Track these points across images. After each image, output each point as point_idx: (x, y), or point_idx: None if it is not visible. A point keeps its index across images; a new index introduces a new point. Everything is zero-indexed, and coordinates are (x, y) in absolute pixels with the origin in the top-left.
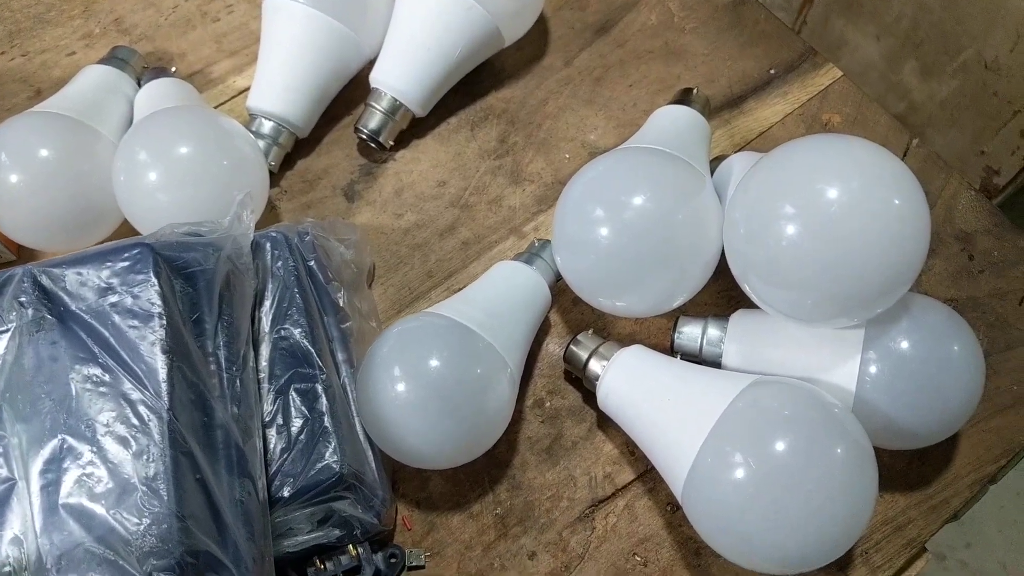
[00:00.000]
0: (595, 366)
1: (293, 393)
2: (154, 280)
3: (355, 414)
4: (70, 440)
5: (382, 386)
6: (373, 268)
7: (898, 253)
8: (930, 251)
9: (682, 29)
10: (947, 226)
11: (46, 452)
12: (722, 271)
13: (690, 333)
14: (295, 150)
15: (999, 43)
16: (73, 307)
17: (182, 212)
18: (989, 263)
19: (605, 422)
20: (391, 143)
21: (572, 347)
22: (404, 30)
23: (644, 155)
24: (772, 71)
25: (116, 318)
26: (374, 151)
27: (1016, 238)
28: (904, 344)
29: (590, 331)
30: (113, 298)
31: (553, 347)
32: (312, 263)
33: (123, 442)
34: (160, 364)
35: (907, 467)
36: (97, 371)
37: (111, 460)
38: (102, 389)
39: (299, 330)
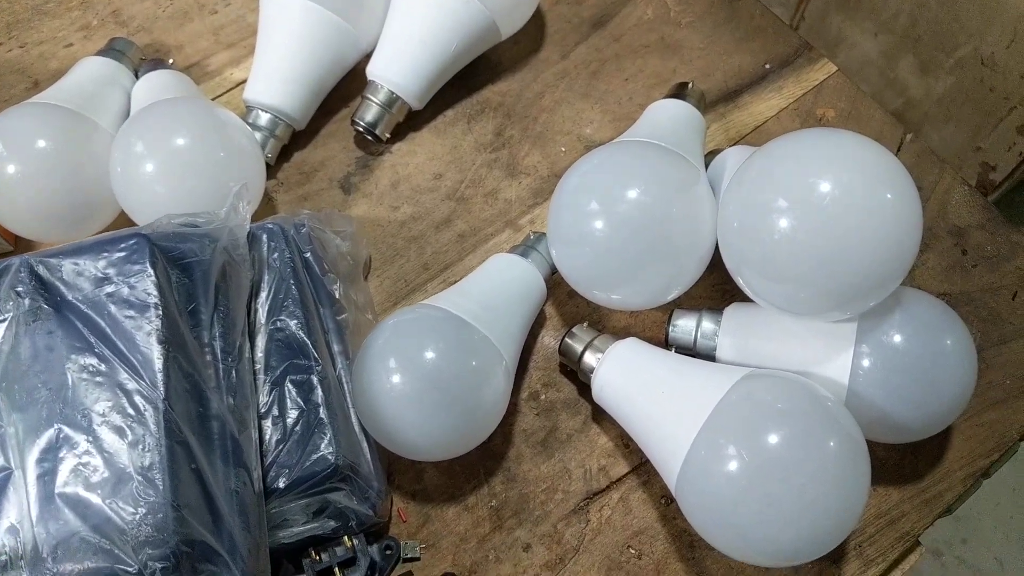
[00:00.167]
0: (590, 359)
1: (289, 384)
2: (150, 271)
3: (351, 406)
4: (66, 429)
5: (378, 378)
6: (369, 260)
7: (891, 247)
8: (923, 246)
9: (678, 23)
10: (940, 221)
11: (42, 441)
12: (716, 265)
13: (684, 326)
14: (292, 142)
15: (996, 39)
16: (70, 297)
17: (179, 203)
18: (982, 258)
19: (600, 415)
20: (387, 136)
21: (567, 340)
22: (401, 23)
23: (639, 148)
24: (767, 66)
25: (112, 308)
26: (370, 144)
27: (1009, 233)
28: (897, 338)
29: (585, 324)
30: (109, 288)
31: (548, 340)
32: (308, 255)
33: (119, 432)
34: (156, 354)
35: (900, 461)
36: (93, 361)
37: (107, 450)
38: (98, 379)
39: (295, 322)
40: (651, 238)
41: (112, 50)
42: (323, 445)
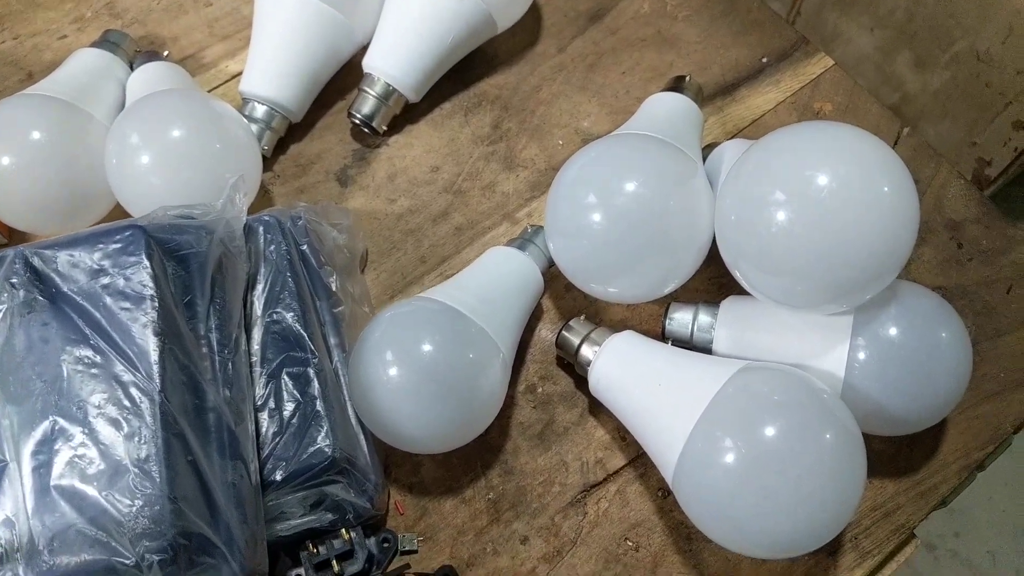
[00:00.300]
0: (587, 351)
1: (285, 377)
2: (146, 262)
3: (347, 398)
4: (62, 422)
5: (374, 370)
6: (366, 253)
7: (887, 240)
8: (919, 239)
9: (675, 17)
10: (936, 215)
11: (38, 434)
12: (713, 258)
13: (681, 319)
14: (288, 135)
15: (992, 35)
16: (65, 289)
17: (174, 195)
18: (978, 251)
19: (597, 408)
20: (384, 128)
21: (564, 333)
22: (397, 15)
23: (637, 141)
24: (764, 59)
25: (108, 300)
26: (367, 136)
27: (1004, 227)
28: (893, 330)
29: (582, 317)
30: (105, 280)
31: (545, 333)
32: (305, 247)
33: (115, 424)
34: (152, 346)
35: (896, 453)
36: (89, 353)
37: (103, 442)
38: (94, 371)
39: (291, 314)
40: (649, 231)
41: (107, 42)
42: (320, 438)
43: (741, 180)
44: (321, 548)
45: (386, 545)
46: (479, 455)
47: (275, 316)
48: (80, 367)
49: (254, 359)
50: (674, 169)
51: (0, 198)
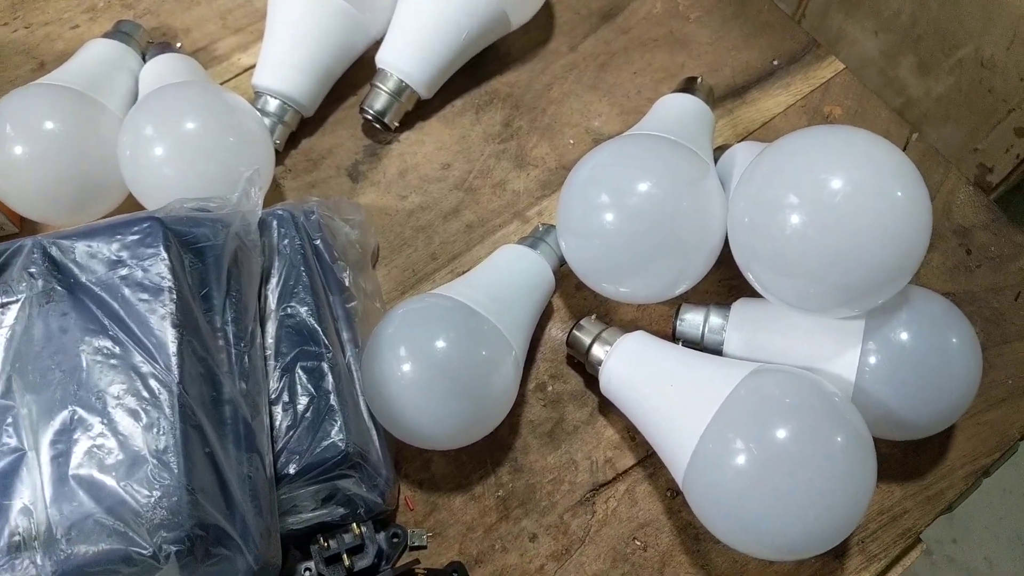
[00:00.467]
0: (598, 351)
1: (299, 371)
2: (164, 254)
3: (360, 393)
4: (80, 411)
5: (388, 366)
6: (377, 249)
7: (900, 244)
8: (928, 245)
9: (687, 18)
10: (945, 221)
11: (56, 423)
12: (723, 260)
13: (692, 320)
14: (300, 129)
15: (996, 41)
16: (83, 279)
17: (187, 187)
18: (986, 258)
19: (606, 407)
20: (396, 124)
21: (575, 332)
22: (411, 11)
23: (650, 142)
24: (775, 62)
25: (126, 291)
26: (379, 132)
27: (1013, 234)
28: (904, 335)
29: (593, 316)
30: (123, 271)
31: (556, 332)
32: (318, 242)
33: (133, 414)
34: (170, 338)
35: (903, 458)
36: (107, 343)
37: (121, 432)
38: (112, 361)
39: (305, 308)
40: (661, 232)
41: (119, 32)
42: (333, 432)
43: (755, 183)
44: (332, 542)
45: (396, 540)
46: (489, 452)
47: (289, 310)
48: (99, 357)
49: (268, 353)
50: (687, 170)
51: (13, 188)
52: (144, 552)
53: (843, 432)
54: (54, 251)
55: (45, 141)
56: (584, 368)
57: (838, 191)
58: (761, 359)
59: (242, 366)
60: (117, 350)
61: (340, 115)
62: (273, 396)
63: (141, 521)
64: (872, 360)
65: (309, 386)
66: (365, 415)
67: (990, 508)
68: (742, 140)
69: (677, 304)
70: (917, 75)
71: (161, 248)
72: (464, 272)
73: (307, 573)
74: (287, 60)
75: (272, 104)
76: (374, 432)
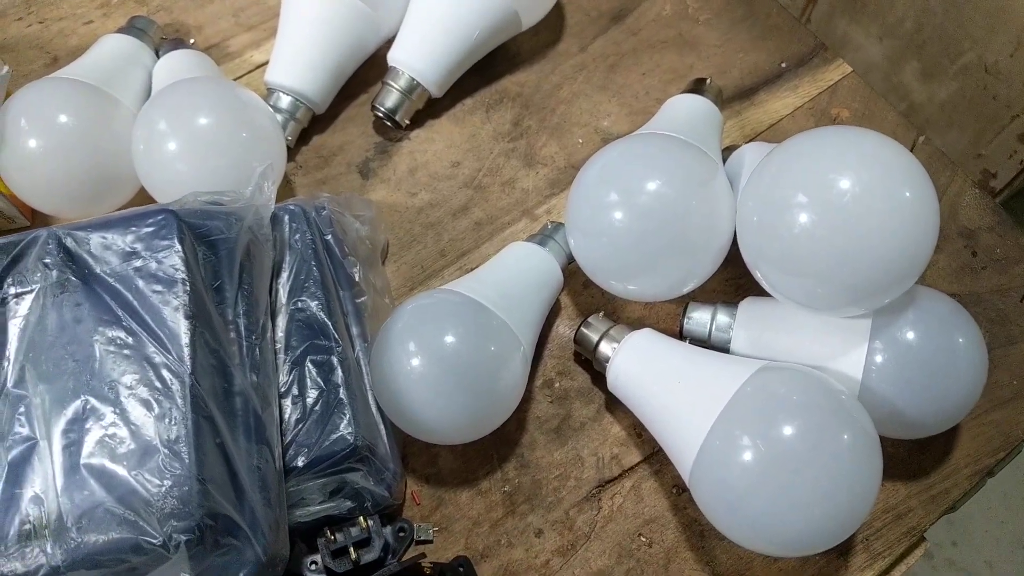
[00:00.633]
0: (605, 348)
1: (309, 364)
2: (178, 246)
3: (369, 388)
4: (93, 401)
5: (397, 360)
6: (387, 245)
7: (908, 244)
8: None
9: (696, 20)
10: (951, 223)
11: (69, 412)
12: (731, 259)
13: (699, 318)
14: (311, 126)
15: (1000, 47)
16: (98, 270)
17: (200, 182)
18: (991, 260)
19: (613, 404)
20: (407, 122)
21: (583, 329)
22: (424, 10)
23: (659, 141)
24: (783, 64)
25: (140, 282)
26: (389, 129)
27: (1018, 236)
28: (910, 335)
29: (601, 314)
30: (137, 263)
31: (563, 329)
32: (329, 237)
33: (146, 404)
34: (183, 329)
35: (908, 457)
36: (121, 334)
37: (133, 422)
38: (126, 352)
39: (316, 302)
40: (670, 230)
41: (133, 28)
42: (342, 425)
43: (764, 182)
44: (338, 535)
45: (402, 534)
46: (496, 448)
47: (300, 304)
48: (112, 348)
49: (278, 346)
50: (696, 170)
51: (26, 181)
52: (154, 541)
53: (850, 430)
54: (69, 242)
55: (59, 135)
56: (591, 365)
57: (847, 191)
58: (768, 357)
59: (253, 358)
60: (130, 341)
61: (351, 112)
62: (283, 389)
63: (151, 510)
64: (879, 359)
65: (319, 380)
66: (374, 409)
67: (991, 511)
68: (750, 141)
69: (684, 302)
70: (921, 81)
71: (175, 240)
72: (473, 269)
73: (313, 566)
74: (300, 57)
75: (284, 101)
76: (382, 426)
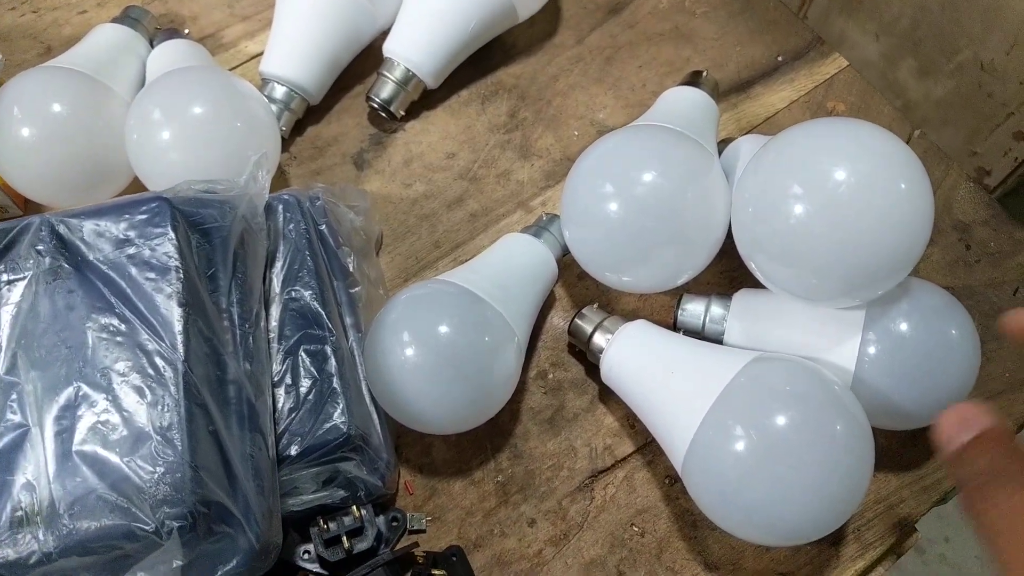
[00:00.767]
0: (599, 339)
1: (302, 354)
2: (172, 234)
3: (362, 377)
4: (85, 388)
5: (391, 350)
6: (381, 237)
7: (902, 235)
8: (930, 237)
9: (692, 13)
10: (945, 216)
11: (61, 399)
12: (725, 252)
13: (693, 310)
14: (305, 117)
15: (996, 45)
16: (90, 257)
17: (194, 172)
18: (985, 253)
19: (606, 395)
20: (402, 113)
21: (577, 320)
22: (420, 1)
23: (655, 132)
24: (780, 58)
25: (133, 270)
26: (384, 121)
27: (1012, 230)
28: (903, 326)
29: (595, 305)
30: (130, 250)
31: (557, 320)
32: (323, 227)
33: (138, 391)
34: (176, 316)
35: (900, 448)
36: (114, 321)
37: (126, 409)
38: (118, 339)
39: (309, 292)
40: (665, 222)
41: (127, 18)
42: (336, 414)
43: (760, 173)
44: (331, 524)
45: (395, 524)
46: (489, 438)
47: (293, 294)
48: (105, 335)
49: (272, 335)
50: (692, 161)
51: (18, 170)
52: (147, 528)
53: (843, 420)
54: (62, 229)
55: (52, 124)
56: (585, 356)
57: (842, 182)
58: (762, 349)
59: (246, 347)
60: (123, 328)
61: (346, 103)
62: (276, 378)
63: (144, 497)
64: (872, 350)
65: (312, 369)
66: (367, 399)
67: None
68: (746, 134)
69: (679, 294)
70: (917, 78)
71: (169, 228)
72: (467, 260)
73: (306, 555)
74: (295, 48)
75: (279, 91)
76: (376, 416)
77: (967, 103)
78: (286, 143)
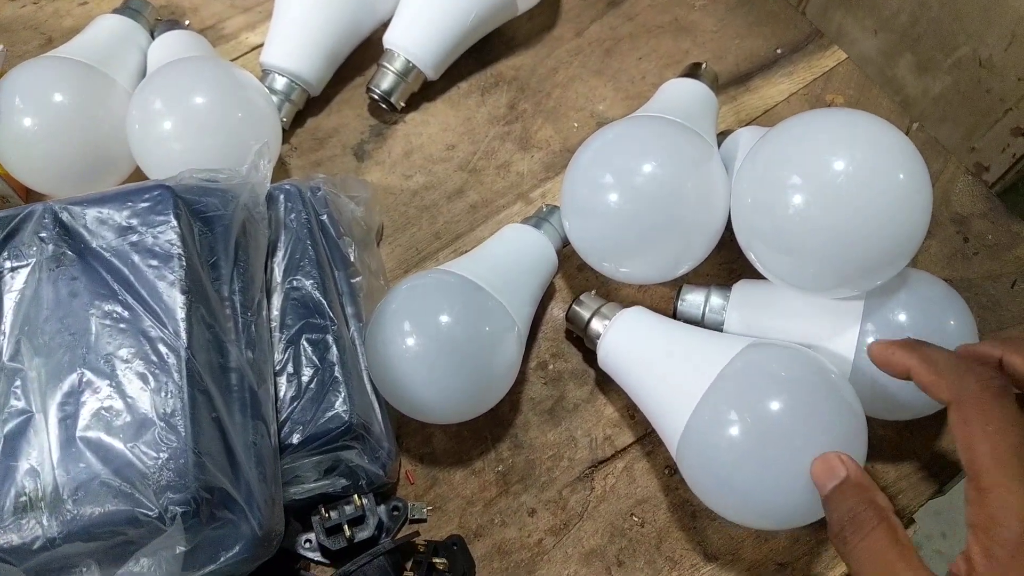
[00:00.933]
0: (597, 325)
1: (304, 343)
2: (174, 222)
3: (363, 367)
4: (89, 374)
5: (392, 339)
6: (381, 228)
7: (901, 225)
8: (926, 232)
9: (692, 5)
10: (944, 208)
11: (65, 385)
12: (724, 243)
13: (693, 300)
14: (306, 108)
15: (995, 41)
16: (93, 244)
17: (195, 162)
18: (983, 246)
19: (606, 386)
20: (402, 105)
21: (575, 307)
22: None
23: (655, 123)
24: (779, 51)
25: (136, 257)
26: (384, 112)
27: (1010, 223)
28: (902, 316)
29: (593, 292)
30: (133, 237)
31: (557, 311)
32: (324, 217)
33: (142, 378)
34: (179, 304)
35: (897, 439)
36: (117, 308)
37: (129, 395)
38: (122, 326)
39: (311, 281)
40: (665, 213)
41: (128, 8)
42: (337, 403)
43: (759, 163)
44: (333, 513)
45: (396, 513)
46: (489, 428)
47: (295, 283)
48: (108, 322)
49: (274, 325)
50: (692, 152)
51: (20, 160)
52: (150, 513)
53: (837, 406)
54: (65, 216)
55: (54, 114)
56: (583, 343)
57: (841, 172)
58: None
59: (249, 335)
60: (126, 315)
61: (346, 95)
62: (278, 367)
63: (147, 483)
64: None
65: (314, 358)
66: (368, 388)
67: None
68: (745, 126)
69: (678, 285)
70: (915, 74)
71: (171, 215)
72: (467, 251)
73: (308, 544)
74: (295, 39)
75: (279, 82)
76: (377, 405)
77: (965, 99)
78: (287, 134)
